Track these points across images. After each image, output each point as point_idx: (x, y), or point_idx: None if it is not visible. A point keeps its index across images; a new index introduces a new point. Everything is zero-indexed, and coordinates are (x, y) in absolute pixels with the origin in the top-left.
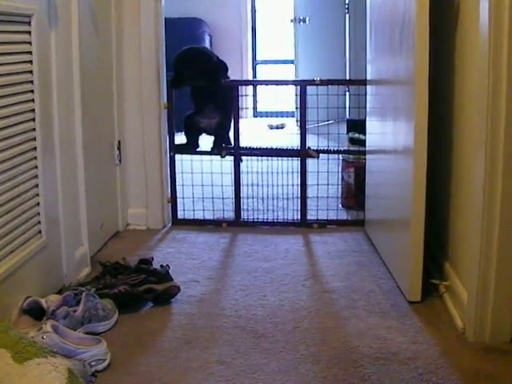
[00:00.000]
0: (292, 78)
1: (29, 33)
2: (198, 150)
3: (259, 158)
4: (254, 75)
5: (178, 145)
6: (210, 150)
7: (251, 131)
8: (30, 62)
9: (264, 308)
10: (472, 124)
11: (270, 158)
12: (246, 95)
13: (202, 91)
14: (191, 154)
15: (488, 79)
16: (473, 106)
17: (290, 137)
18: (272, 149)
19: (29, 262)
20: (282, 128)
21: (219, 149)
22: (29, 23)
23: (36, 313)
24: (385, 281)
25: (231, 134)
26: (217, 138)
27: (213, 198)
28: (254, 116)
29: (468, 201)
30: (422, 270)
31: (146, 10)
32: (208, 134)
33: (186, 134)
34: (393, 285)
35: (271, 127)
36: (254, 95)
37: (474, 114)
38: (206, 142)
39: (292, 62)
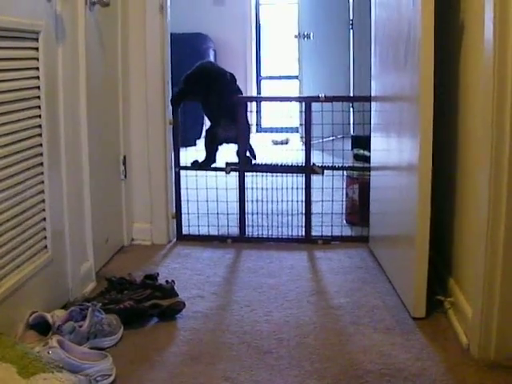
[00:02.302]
0: (296, 93)
1: (36, 49)
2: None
3: (264, 173)
4: (259, 91)
5: (194, 161)
6: (225, 166)
7: (255, 146)
8: (37, 77)
9: (269, 324)
10: (476, 141)
11: (274, 174)
12: (250, 111)
13: (212, 106)
14: (207, 169)
15: (493, 95)
16: (477, 123)
17: (294, 153)
18: (277, 165)
19: (34, 276)
20: (286, 143)
21: (243, 158)
22: (36, 39)
23: (42, 328)
24: (389, 297)
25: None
26: (239, 146)
27: (217, 213)
28: (258, 131)
29: (472, 217)
30: (426, 286)
31: (151, 25)
32: (230, 142)
33: (206, 145)
34: (397, 301)
35: (275, 143)
36: (258, 111)
37: (479, 131)
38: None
39: (296, 77)
